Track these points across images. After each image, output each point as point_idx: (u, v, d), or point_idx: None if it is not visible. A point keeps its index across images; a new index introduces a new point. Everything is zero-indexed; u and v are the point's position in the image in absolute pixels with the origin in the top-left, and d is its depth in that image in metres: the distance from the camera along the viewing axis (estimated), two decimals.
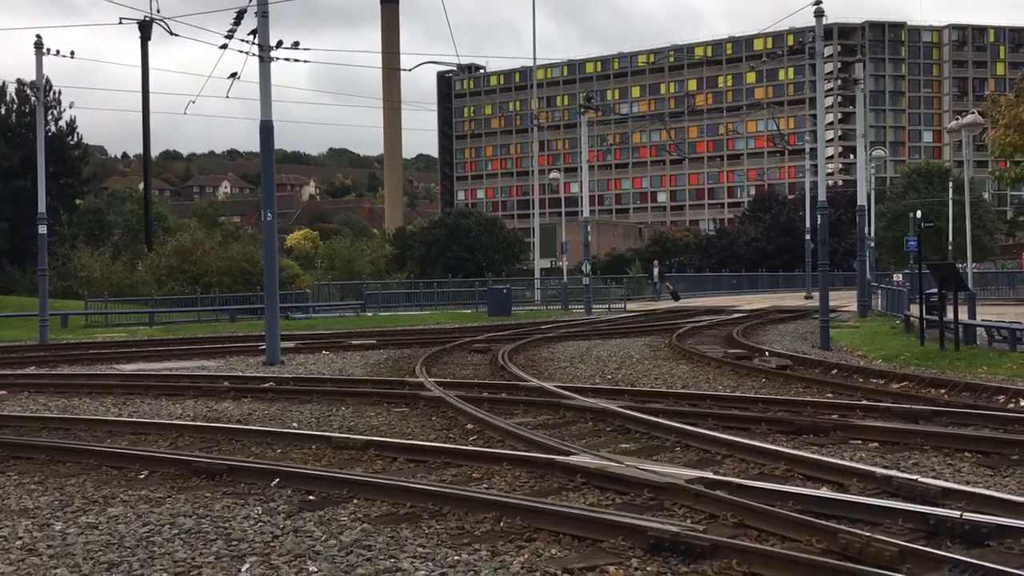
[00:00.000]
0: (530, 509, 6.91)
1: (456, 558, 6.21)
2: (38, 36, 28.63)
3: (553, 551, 6.28)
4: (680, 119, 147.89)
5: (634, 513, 6.90)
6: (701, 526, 6.51)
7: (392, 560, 6.21)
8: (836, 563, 5.48)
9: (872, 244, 48.50)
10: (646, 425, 10.65)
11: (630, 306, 46.60)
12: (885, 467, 8.36)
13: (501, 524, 6.87)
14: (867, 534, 5.90)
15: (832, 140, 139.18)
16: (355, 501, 7.74)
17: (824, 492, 7.40)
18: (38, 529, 7.22)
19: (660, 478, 7.65)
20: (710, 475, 7.85)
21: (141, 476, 9.07)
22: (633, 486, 7.68)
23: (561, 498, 7.67)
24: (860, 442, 9.81)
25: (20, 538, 6.97)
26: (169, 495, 8.25)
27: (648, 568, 5.86)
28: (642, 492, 7.54)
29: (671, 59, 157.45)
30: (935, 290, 21.00)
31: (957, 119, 39.17)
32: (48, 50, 28.95)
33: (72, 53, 29.78)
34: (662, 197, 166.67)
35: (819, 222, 24.22)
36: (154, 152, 77.08)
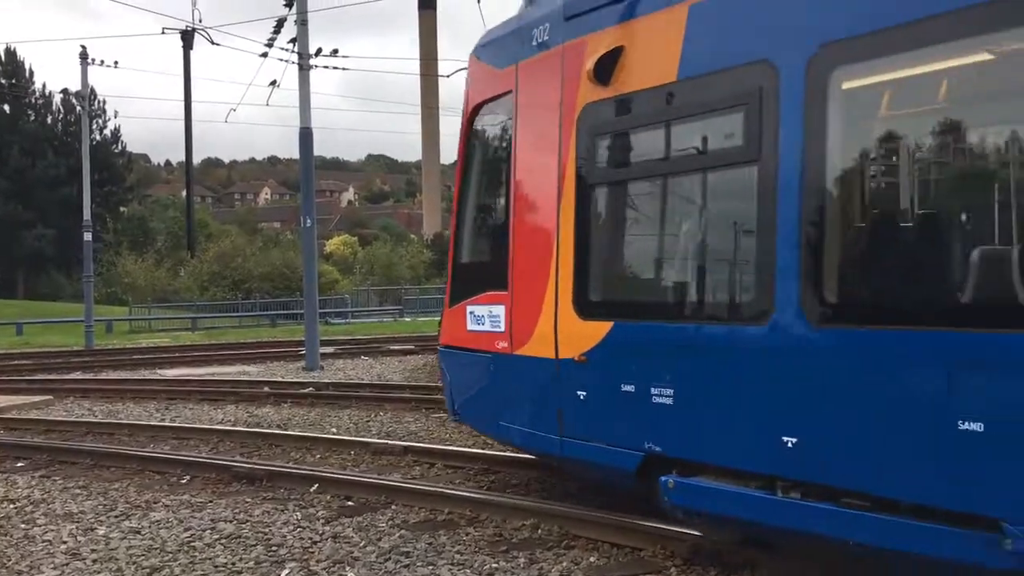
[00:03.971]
0: (568, 516, 6.88)
1: (494, 565, 6.19)
2: (83, 47, 29.16)
3: (591, 559, 6.25)
4: None
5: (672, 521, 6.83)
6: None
7: (431, 567, 6.21)
8: None
9: None
10: None
11: None
12: None
13: (539, 531, 6.85)
14: None
15: None
16: (393, 507, 7.76)
17: None
18: (82, 533, 7.33)
19: None
20: None
21: (183, 481, 9.17)
22: None
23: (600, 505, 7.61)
24: None
25: (64, 542, 7.08)
26: (210, 500, 8.33)
27: None
28: None
29: None
30: None
31: None
32: (93, 60, 29.47)
33: (116, 63, 30.36)
34: None
35: None
36: (196, 159, 78.36)
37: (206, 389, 16.57)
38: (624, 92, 6.21)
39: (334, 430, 12.14)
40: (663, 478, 5.75)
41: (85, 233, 29.43)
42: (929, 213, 4.97)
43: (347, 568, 6.26)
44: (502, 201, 7.41)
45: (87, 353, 26.52)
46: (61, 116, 66.26)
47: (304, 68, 21.31)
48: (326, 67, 23.69)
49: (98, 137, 62.36)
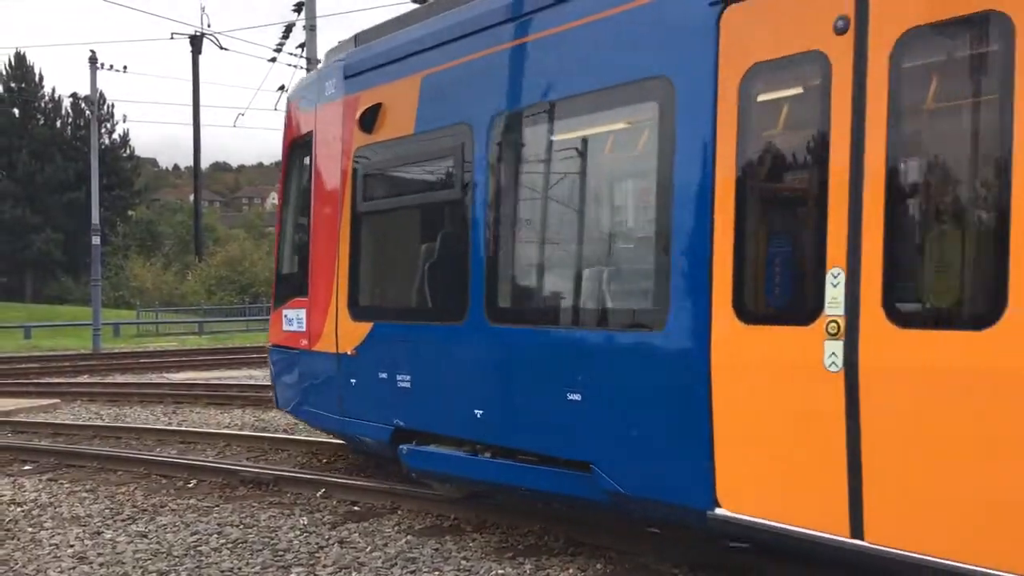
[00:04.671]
0: (574, 522, 6.86)
1: (500, 572, 6.18)
2: (92, 51, 29.31)
3: (598, 566, 6.23)
4: None
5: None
6: None
7: (437, 573, 6.20)
8: None
9: None
10: None
11: None
12: None
13: (545, 538, 6.84)
14: None
15: None
16: (399, 512, 7.76)
17: None
18: (89, 537, 7.34)
19: None
20: None
21: (190, 485, 9.18)
22: None
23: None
24: None
25: (71, 546, 7.09)
26: (217, 504, 8.34)
27: None
28: None
29: None
30: None
31: None
32: (102, 64, 29.61)
33: (125, 68, 30.52)
34: None
35: None
36: (204, 164, 78.34)
37: (213, 393, 16.59)
38: (380, 140, 7.75)
39: None
40: (401, 446, 7.38)
41: (93, 237, 29.52)
42: (551, 244, 6.52)
43: (353, 573, 6.26)
44: (306, 223, 8.93)
45: (94, 356, 26.59)
46: (70, 120, 66.52)
47: None
48: None
49: (107, 141, 62.55)
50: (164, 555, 6.79)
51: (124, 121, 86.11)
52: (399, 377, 7.32)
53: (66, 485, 9.37)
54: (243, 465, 9.68)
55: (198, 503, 8.41)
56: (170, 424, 13.53)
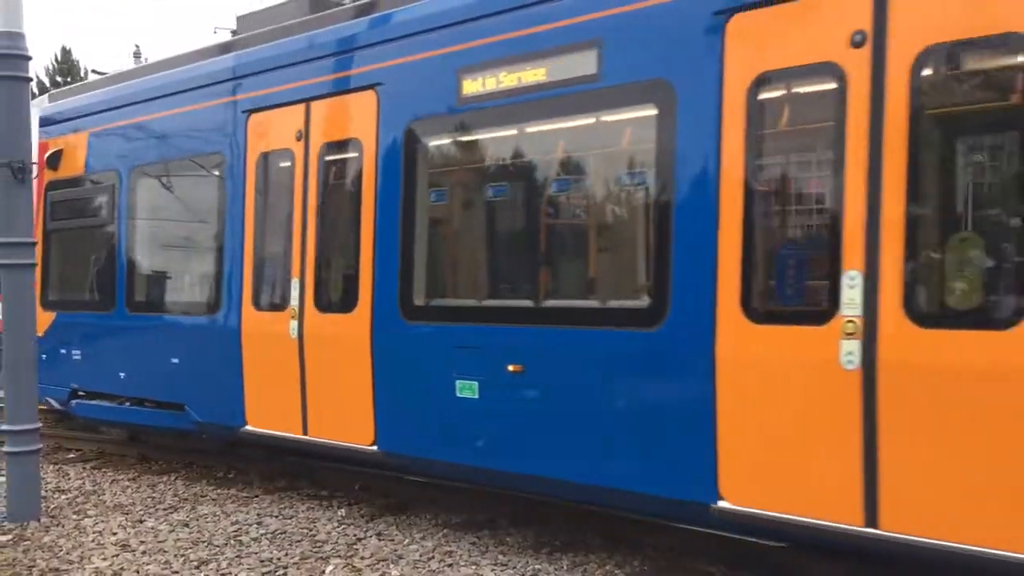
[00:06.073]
0: (612, 518, 6.84)
1: (537, 567, 6.18)
2: (136, 45, 29.76)
3: (635, 562, 6.22)
4: None
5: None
6: None
7: (474, 567, 6.22)
8: None
9: None
10: None
11: None
12: None
13: (582, 534, 6.82)
14: None
15: None
16: (436, 506, 7.78)
17: None
18: (131, 525, 7.45)
19: None
20: None
21: (229, 476, 9.28)
22: None
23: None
24: None
25: (115, 534, 7.20)
26: (256, 495, 8.42)
27: None
28: None
29: None
30: None
31: None
32: (146, 59, 29.99)
33: None
34: None
35: None
36: None
37: None
38: (62, 177, 10.54)
39: None
40: (71, 401, 10.27)
41: None
42: (161, 257, 9.65)
43: (391, 566, 6.29)
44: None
45: None
46: None
47: None
48: None
49: None
50: (205, 544, 6.87)
51: None
52: (73, 352, 10.14)
53: (109, 474, 9.52)
54: (282, 456, 9.74)
55: (238, 493, 8.51)
56: None
